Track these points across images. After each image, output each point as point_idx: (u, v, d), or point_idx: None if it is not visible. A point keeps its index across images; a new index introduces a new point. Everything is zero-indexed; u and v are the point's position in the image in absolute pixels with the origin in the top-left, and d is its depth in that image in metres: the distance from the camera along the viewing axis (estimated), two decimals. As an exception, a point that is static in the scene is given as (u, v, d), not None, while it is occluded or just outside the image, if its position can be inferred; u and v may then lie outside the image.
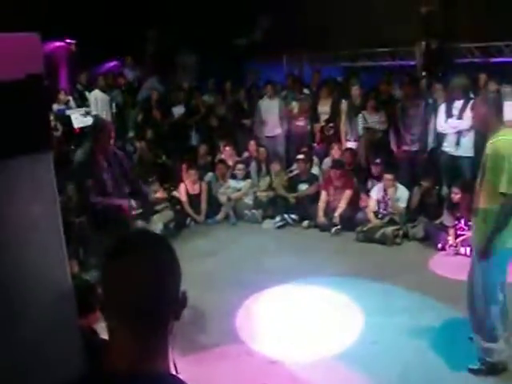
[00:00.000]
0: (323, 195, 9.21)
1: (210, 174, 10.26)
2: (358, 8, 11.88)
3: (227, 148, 10.54)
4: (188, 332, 5.43)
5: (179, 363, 1.63)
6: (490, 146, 4.43)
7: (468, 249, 7.35)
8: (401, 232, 8.33)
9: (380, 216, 8.62)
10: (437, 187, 8.54)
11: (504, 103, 4.91)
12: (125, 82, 12.22)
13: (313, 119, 10.81)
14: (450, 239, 7.74)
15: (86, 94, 11.38)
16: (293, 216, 9.37)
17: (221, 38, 12.54)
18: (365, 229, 8.44)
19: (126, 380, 1.42)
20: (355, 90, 10.08)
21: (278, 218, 9.38)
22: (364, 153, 9.83)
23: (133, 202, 6.19)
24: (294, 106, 10.74)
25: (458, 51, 11.07)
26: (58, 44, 11.73)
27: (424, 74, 10.80)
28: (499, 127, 4.45)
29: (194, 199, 9.71)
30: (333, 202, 9.13)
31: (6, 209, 1.65)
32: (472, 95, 8.42)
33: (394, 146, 9.46)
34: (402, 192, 8.55)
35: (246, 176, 10.07)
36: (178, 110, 11.39)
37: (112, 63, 13.07)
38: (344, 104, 10.20)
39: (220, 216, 9.78)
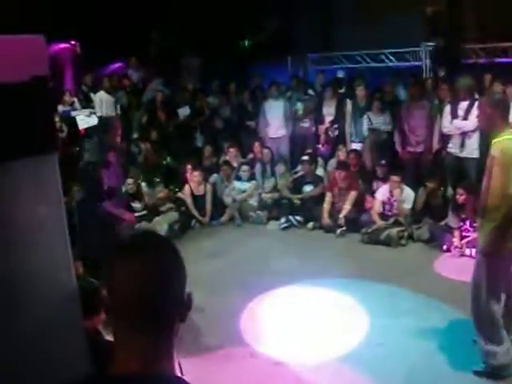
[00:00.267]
0: (328, 197, 9.19)
1: (214, 176, 10.26)
2: (363, 8, 11.88)
3: (231, 149, 10.54)
4: (192, 333, 5.43)
5: (183, 364, 1.63)
6: (495, 146, 4.41)
7: (473, 250, 7.31)
8: (406, 233, 8.31)
9: (385, 217, 8.60)
10: (442, 188, 8.51)
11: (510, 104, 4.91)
12: (129, 83, 12.23)
13: (317, 120, 10.79)
14: (455, 241, 7.72)
15: (91, 95, 11.38)
16: (298, 217, 9.36)
17: (225, 40, 12.55)
18: (370, 230, 8.42)
19: (132, 382, 1.42)
20: (360, 91, 10.06)
21: (282, 220, 9.37)
22: (369, 154, 9.81)
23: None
24: (299, 107, 10.73)
25: (463, 52, 11.05)
26: (62, 45, 11.73)
27: (430, 74, 10.79)
28: (504, 128, 4.44)
29: (198, 200, 9.71)
30: (338, 204, 9.12)
31: (12, 210, 1.66)
32: (477, 96, 8.41)
33: (398, 147, 9.45)
34: (408, 193, 8.53)
35: (251, 177, 10.05)
36: (184, 112, 11.39)
37: (117, 65, 13.07)
38: (349, 105, 10.18)
39: (225, 217, 9.78)
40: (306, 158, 9.77)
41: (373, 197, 8.89)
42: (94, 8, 11.21)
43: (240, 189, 9.96)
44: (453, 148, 8.59)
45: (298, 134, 10.84)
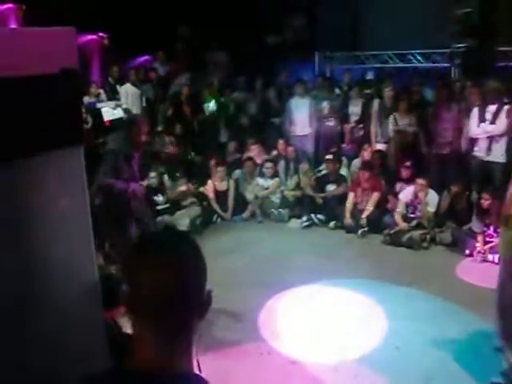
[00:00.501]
0: (351, 196, 9.16)
1: (237, 172, 10.26)
2: (392, 8, 11.80)
3: (254, 146, 10.53)
4: (210, 329, 5.44)
5: (200, 360, 1.62)
6: None
7: (496, 256, 7.25)
8: (428, 236, 8.25)
9: (408, 219, 8.54)
10: (467, 192, 8.43)
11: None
12: (156, 76, 12.27)
13: (343, 119, 10.75)
14: (479, 246, 7.65)
15: (117, 87, 11.44)
16: (319, 216, 9.34)
17: (252, 36, 12.53)
18: (392, 232, 8.37)
19: (150, 378, 1.42)
20: (388, 92, 9.97)
21: (304, 218, 9.35)
22: (394, 155, 9.73)
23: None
24: (325, 105, 10.69)
25: (494, 54, 10.92)
26: (90, 37, 11.82)
27: (459, 76, 10.68)
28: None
29: (221, 196, 9.73)
30: (360, 204, 9.08)
31: (36, 203, 1.66)
32: (506, 100, 8.31)
33: (424, 148, 9.36)
34: (432, 196, 8.46)
35: (274, 175, 10.04)
36: (209, 107, 11.41)
37: (143, 58, 13.13)
38: (375, 105, 10.11)
39: (246, 214, 9.79)
40: (330, 156, 9.74)
41: (396, 198, 8.83)
42: (123, 1, 11.26)
43: (263, 185, 9.95)
44: (479, 152, 8.50)
45: (323, 133, 10.80)
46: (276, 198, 9.88)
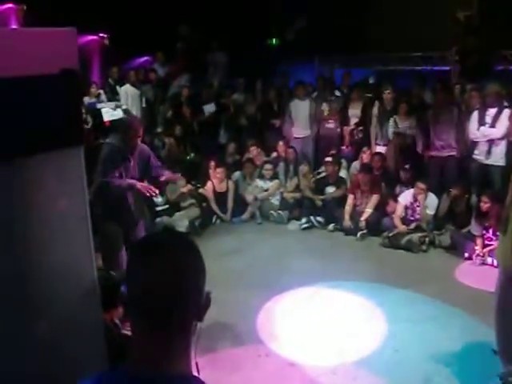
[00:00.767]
0: (350, 199, 9.16)
1: (237, 173, 10.26)
2: (393, 11, 11.81)
3: (253, 148, 10.53)
4: (208, 331, 5.44)
5: (198, 362, 1.62)
6: None
7: (495, 259, 7.26)
8: (427, 239, 8.25)
9: (407, 222, 8.54)
10: (466, 195, 8.42)
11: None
12: (155, 77, 12.28)
13: (343, 122, 10.75)
14: (477, 248, 7.64)
15: (117, 88, 11.46)
16: (319, 218, 9.33)
17: (253, 37, 12.53)
18: (391, 234, 8.37)
19: (149, 380, 1.42)
20: (388, 94, 9.96)
21: (303, 220, 9.35)
22: (393, 158, 9.73)
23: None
24: (325, 107, 10.69)
25: (494, 57, 10.93)
26: (90, 37, 11.84)
27: (459, 79, 10.68)
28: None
29: (220, 197, 9.73)
30: (359, 206, 9.09)
31: (34, 203, 1.66)
32: (506, 103, 8.32)
33: (420, 149, 9.35)
34: (432, 199, 8.46)
35: (274, 176, 10.05)
36: (209, 108, 11.42)
37: (143, 58, 13.15)
38: (375, 107, 10.11)
39: (246, 215, 9.78)
40: (329, 159, 9.73)
41: (395, 201, 8.84)
42: (122, 1, 11.27)
43: (262, 187, 9.96)
44: (479, 155, 8.51)
45: (323, 135, 10.80)
46: (275, 200, 9.89)
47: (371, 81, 12.48)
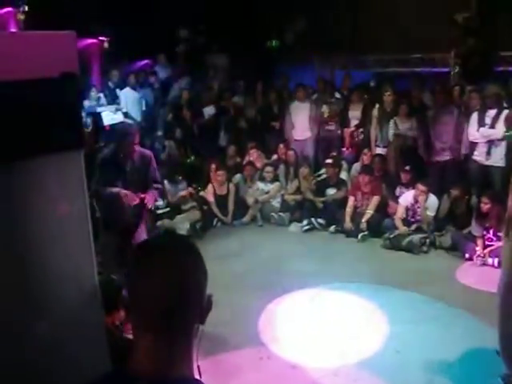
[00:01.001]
0: (351, 201, 9.16)
1: (238, 176, 10.26)
2: (392, 12, 11.80)
3: (252, 151, 10.53)
4: (210, 333, 5.42)
5: (200, 365, 1.62)
6: None
7: (496, 260, 7.26)
8: (428, 240, 8.24)
9: (408, 223, 8.54)
10: (466, 196, 8.43)
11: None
12: (155, 80, 12.28)
13: (343, 124, 10.75)
14: (478, 249, 7.64)
15: (117, 91, 11.46)
16: (320, 220, 9.33)
17: (252, 39, 12.54)
18: (392, 236, 8.37)
19: (151, 383, 1.42)
20: (388, 96, 9.95)
21: (304, 222, 9.35)
22: (393, 159, 9.73)
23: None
24: (325, 109, 10.68)
25: (493, 59, 10.92)
26: (90, 41, 11.84)
27: (459, 81, 10.68)
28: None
29: (221, 200, 9.73)
30: (360, 208, 9.09)
31: (34, 207, 1.66)
32: (506, 105, 8.32)
33: (423, 154, 9.34)
34: (432, 201, 8.45)
35: (275, 179, 10.05)
36: (209, 111, 11.42)
37: (143, 62, 13.15)
38: (375, 109, 10.10)
39: (247, 218, 9.78)
40: (330, 161, 9.74)
41: (396, 202, 8.84)
42: (122, 4, 11.28)
43: (263, 190, 9.96)
44: (478, 156, 8.51)
45: (323, 137, 10.80)
46: (276, 202, 9.89)
47: (372, 84, 12.47)
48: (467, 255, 7.77)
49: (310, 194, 9.72)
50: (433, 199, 8.47)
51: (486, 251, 7.59)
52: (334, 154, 10.14)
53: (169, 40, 12.47)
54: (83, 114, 9.36)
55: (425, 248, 8.19)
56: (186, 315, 1.48)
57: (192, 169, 10.48)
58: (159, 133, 11.44)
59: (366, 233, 8.75)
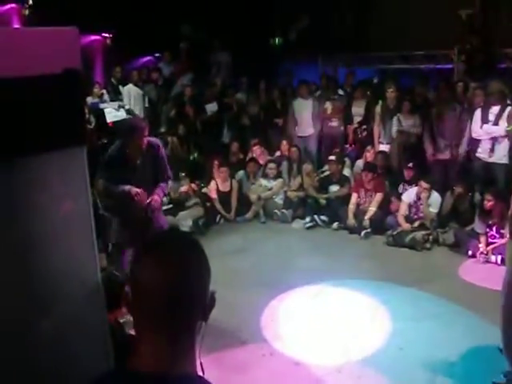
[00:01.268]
0: (354, 197, 9.15)
1: (241, 172, 10.26)
2: (395, 10, 11.79)
3: (255, 148, 10.53)
4: (212, 330, 5.42)
5: (203, 362, 1.62)
6: None
7: (499, 257, 7.25)
8: (431, 237, 8.23)
9: (410, 220, 8.53)
10: (469, 193, 8.41)
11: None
12: (158, 77, 12.28)
13: (346, 120, 10.74)
14: (481, 246, 7.62)
15: (120, 88, 11.46)
16: (323, 217, 9.33)
17: (256, 36, 12.52)
18: (395, 233, 8.36)
19: (153, 380, 1.42)
20: (391, 93, 9.92)
21: (307, 219, 9.35)
22: (397, 156, 9.72)
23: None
24: (328, 106, 10.67)
25: (496, 56, 10.91)
26: (93, 37, 11.85)
27: (462, 77, 10.66)
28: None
29: (224, 197, 9.72)
30: (363, 205, 9.09)
31: (37, 204, 1.66)
32: (509, 101, 8.30)
33: (429, 153, 9.30)
34: (435, 198, 8.45)
35: (278, 175, 10.04)
36: (212, 108, 11.42)
37: (146, 58, 13.15)
38: (379, 106, 10.08)
39: (250, 214, 9.77)
40: (333, 157, 9.73)
41: (399, 199, 8.83)
42: (125, 1, 11.28)
43: (266, 186, 9.95)
44: (482, 153, 8.50)
45: (326, 134, 10.79)
46: (279, 199, 9.88)
47: (375, 81, 12.45)
48: (470, 252, 7.75)
49: (313, 191, 9.71)
50: (436, 196, 8.46)
51: (489, 248, 7.58)
52: (337, 150, 10.14)
53: (171, 37, 12.46)
54: (86, 111, 9.35)
55: (428, 245, 8.18)
56: (189, 312, 1.47)
57: (195, 165, 10.48)
58: (162, 129, 11.43)
59: (368, 230, 8.74)
